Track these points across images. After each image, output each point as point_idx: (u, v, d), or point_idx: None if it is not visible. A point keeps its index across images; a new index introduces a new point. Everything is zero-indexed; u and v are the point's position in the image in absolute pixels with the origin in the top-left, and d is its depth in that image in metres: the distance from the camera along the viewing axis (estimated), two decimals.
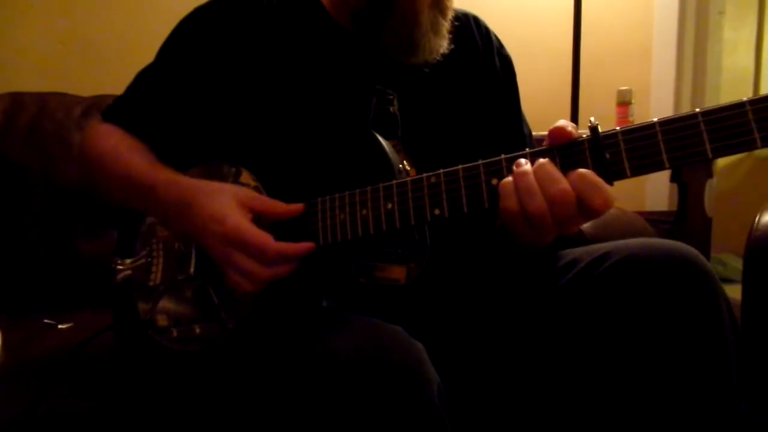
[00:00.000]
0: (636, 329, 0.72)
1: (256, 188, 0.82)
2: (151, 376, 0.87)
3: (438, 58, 0.89)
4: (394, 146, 0.79)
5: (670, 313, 0.70)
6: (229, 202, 0.74)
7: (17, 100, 1.48)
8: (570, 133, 0.65)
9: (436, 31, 0.87)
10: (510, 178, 0.65)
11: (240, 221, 0.73)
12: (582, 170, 0.63)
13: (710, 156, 0.58)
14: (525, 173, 0.64)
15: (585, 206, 0.63)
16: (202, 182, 0.80)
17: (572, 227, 0.66)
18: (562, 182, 0.63)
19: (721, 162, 2.72)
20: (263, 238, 0.72)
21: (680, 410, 0.70)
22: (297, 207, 0.77)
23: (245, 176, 0.84)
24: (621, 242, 0.79)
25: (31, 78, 1.78)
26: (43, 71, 1.81)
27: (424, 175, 0.71)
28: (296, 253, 0.74)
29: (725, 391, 0.69)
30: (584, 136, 0.65)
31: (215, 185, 0.79)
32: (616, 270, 0.75)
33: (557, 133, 0.65)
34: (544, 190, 0.63)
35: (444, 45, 0.89)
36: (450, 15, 0.89)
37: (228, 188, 0.78)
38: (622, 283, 0.74)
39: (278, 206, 0.77)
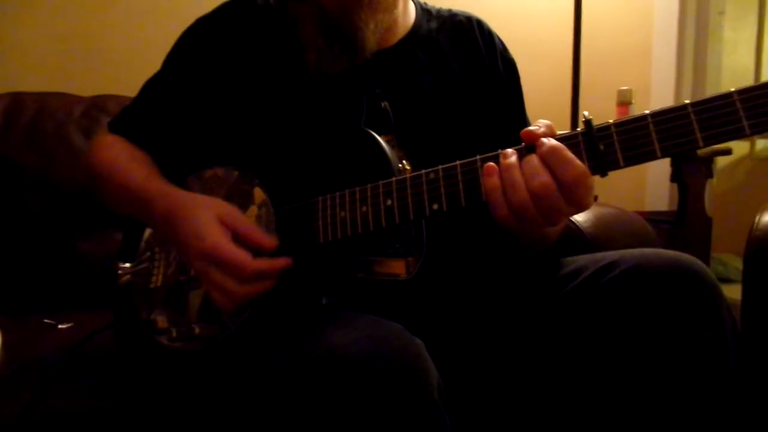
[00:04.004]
0: (639, 337, 0.72)
1: (263, 203, 0.83)
2: (151, 376, 0.87)
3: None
4: (388, 141, 0.80)
5: (674, 323, 0.71)
6: (210, 220, 0.75)
7: (17, 100, 1.48)
8: (537, 137, 0.66)
9: (374, 29, 0.88)
10: (495, 174, 0.66)
11: (218, 239, 0.73)
12: (554, 143, 0.64)
13: (701, 144, 0.59)
14: (510, 167, 0.66)
15: (561, 183, 0.63)
16: (189, 196, 0.82)
17: (559, 218, 0.67)
18: (544, 175, 0.64)
19: (721, 162, 2.72)
20: (239, 256, 0.72)
21: (681, 417, 0.70)
22: (271, 243, 0.76)
23: (257, 190, 0.84)
24: (626, 252, 0.80)
25: (31, 78, 1.77)
26: (43, 71, 1.81)
27: (423, 171, 0.71)
28: (272, 270, 0.74)
29: (725, 404, 0.70)
30: (578, 129, 0.66)
31: (202, 201, 0.80)
32: (622, 280, 0.75)
33: (526, 136, 0.67)
34: (528, 184, 0.64)
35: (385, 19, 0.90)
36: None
37: (212, 204, 0.78)
38: (629, 293, 0.74)
39: (255, 234, 0.76)
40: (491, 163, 0.67)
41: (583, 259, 0.84)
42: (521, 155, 0.66)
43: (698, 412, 0.70)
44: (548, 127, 0.67)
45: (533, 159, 0.65)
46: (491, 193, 0.66)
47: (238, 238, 0.75)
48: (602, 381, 0.76)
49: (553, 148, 0.64)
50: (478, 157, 0.69)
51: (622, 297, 0.74)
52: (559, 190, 0.64)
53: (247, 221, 0.78)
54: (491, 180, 0.66)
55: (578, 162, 0.63)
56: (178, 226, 0.77)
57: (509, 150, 0.67)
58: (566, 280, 0.82)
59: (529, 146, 0.67)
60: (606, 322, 0.75)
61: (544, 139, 0.65)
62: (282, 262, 0.74)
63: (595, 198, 1.56)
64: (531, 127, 0.67)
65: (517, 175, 0.65)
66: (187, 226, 0.76)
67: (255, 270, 0.73)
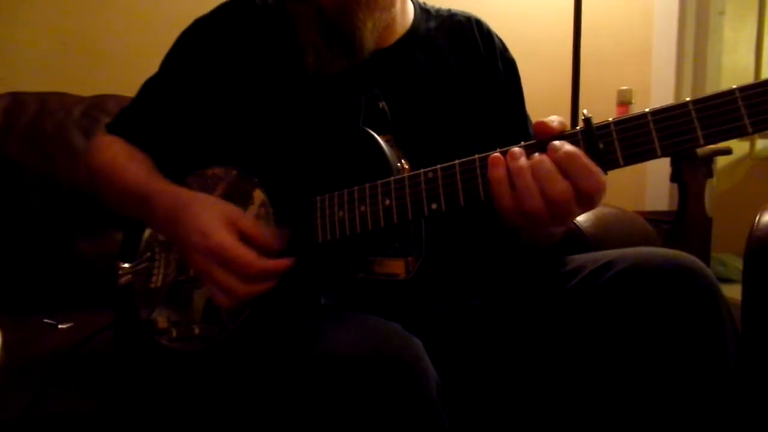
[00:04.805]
0: (638, 337, 0.72)
1: (262, 202, 0.83)
2: (151, 376, 0.87)
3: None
4: (387, 141, 0.80)
5: (673, 322, 0.71)
6: (216, 218, 0.75)
7: (17, 100, 1.48)
8: (553, 129, 0.65)
9: (371, 28, 0.88)
10: (503, 173, 0.65)
11: (224, 237, 0.73)
12: (570, 148, 0.62)
13: (702, 143, 0.58)
14: (521, 170, 0.64)
15: (580, 192, 0.62)
16: (193, 194, 0.82)
17: (569, 221, 0.67)
18: (561, 183, 0.62)
19: (721, 162, 2.72)
20: (246, 255, 0.72)
21: (679, 416, 0.70)
22: (280, 244, 0.76)
23: (255, 190, 0.84)
24: (625, 250, 0.79)
25: (31, 78, 1.78)
26: (43, 71, 1.81)
27: (422, 170, 0.71)
28: (277, 270, 0.74)
29: (724, 403, 0.70)
30: (578, 128, 0.65)
31: (206, 199, 0.80)
32: (621, 279, 0.75)
33: (540, 128, 0.66)
34: (542, 190, 0.63)
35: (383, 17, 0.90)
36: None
37: (218, 204, 0.78)
38: (627, 292, 0.74)
39: (263, 234, 0.76)
40: (497, 155, 0.66)
41: (582, 258, 0.84)
42: (529, 154, 0.65)
43: (697, 411, 0.70)
44: (561, 123, 0.66)
45: (546, 163, 0.63)
46: (497, 186, 0.65)
47: (244, 238, 0.75)
48: (602, 380, 0.76)
49: (570, 155, 0.62)
50: (476, 156, 0.69)
51: (621, 296, 0.74)
52: (576, 198, 0.63)
53: (253, 221, 0.78)
54: (497, 172, 0.65)
55: (597, 169, 0.62)
56: (182, 224, 0.76)
57: (516, 149, 0.66)
58: (565, 279, 0.82)
59: (537, 143, 0.66)
60: (605, 321, 0.75)
61: (558, 143, 0.63)
62: (286, 262, 0.74)
63: None
64: (545, 119, 0.66)
65: (529, 179, 0.63)
66: (191, 223, 0.75)
67: (261, 269, 0.73)
